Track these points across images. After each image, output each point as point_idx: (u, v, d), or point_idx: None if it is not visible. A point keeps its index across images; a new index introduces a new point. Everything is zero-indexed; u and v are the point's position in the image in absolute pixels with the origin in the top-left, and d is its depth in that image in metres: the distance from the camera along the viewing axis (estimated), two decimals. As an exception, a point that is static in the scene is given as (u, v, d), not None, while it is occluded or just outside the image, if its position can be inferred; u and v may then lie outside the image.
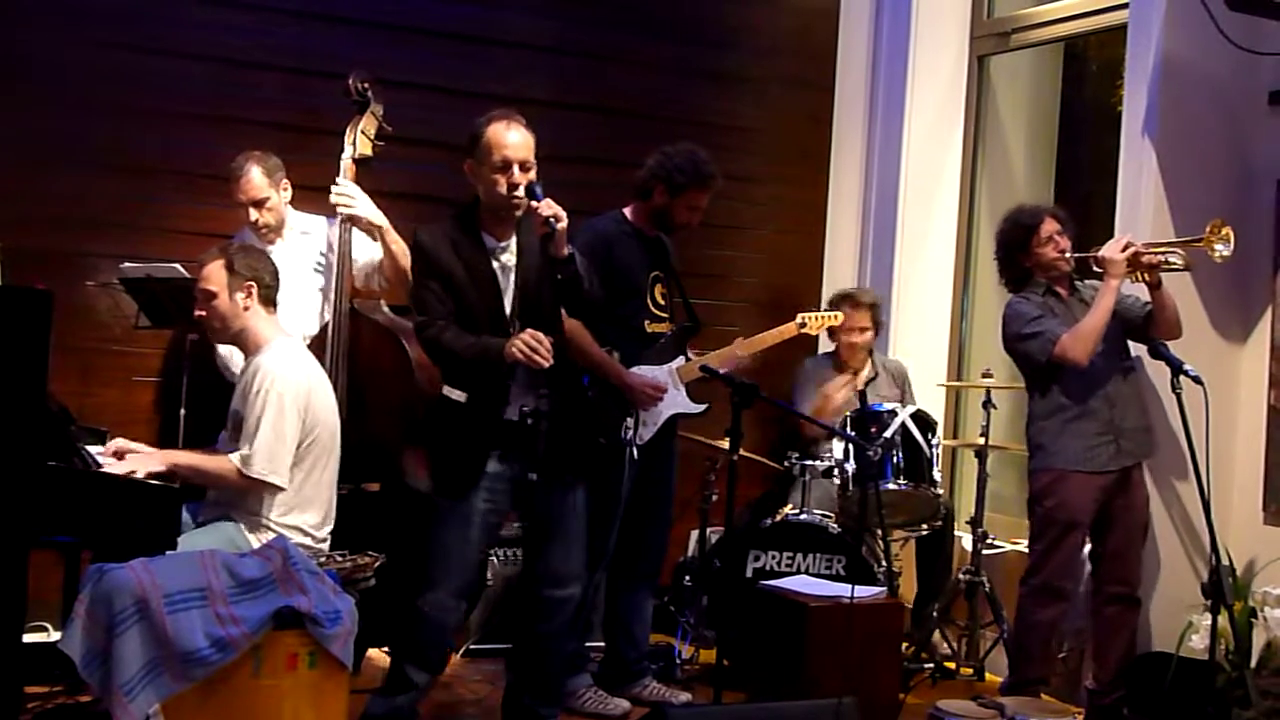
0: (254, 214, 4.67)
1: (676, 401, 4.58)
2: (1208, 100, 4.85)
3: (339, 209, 4.71)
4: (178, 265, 4.62)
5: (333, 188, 4.72)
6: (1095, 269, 4.57)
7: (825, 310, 5.28)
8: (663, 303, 4.63)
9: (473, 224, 3.86)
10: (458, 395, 3.86)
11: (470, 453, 3.84)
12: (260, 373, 3.93)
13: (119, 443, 3.98)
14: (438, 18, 5.53)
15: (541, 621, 3.96)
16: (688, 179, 4.50)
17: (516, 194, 3.76)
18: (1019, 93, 6.29)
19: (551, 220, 3.67)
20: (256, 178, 4.65)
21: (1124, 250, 4.46)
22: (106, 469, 3.75)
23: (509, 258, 3.87)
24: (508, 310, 3.83)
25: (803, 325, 4.99)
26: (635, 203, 4.61)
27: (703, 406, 4.64)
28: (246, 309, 3.99)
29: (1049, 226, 4.65)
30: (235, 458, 3.87)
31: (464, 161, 3.86)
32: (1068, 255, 4.64)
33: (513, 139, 3.76)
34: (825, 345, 5.76)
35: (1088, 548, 4.77)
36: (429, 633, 3.88)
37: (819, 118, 6.26)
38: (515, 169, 3.75)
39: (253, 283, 3.99)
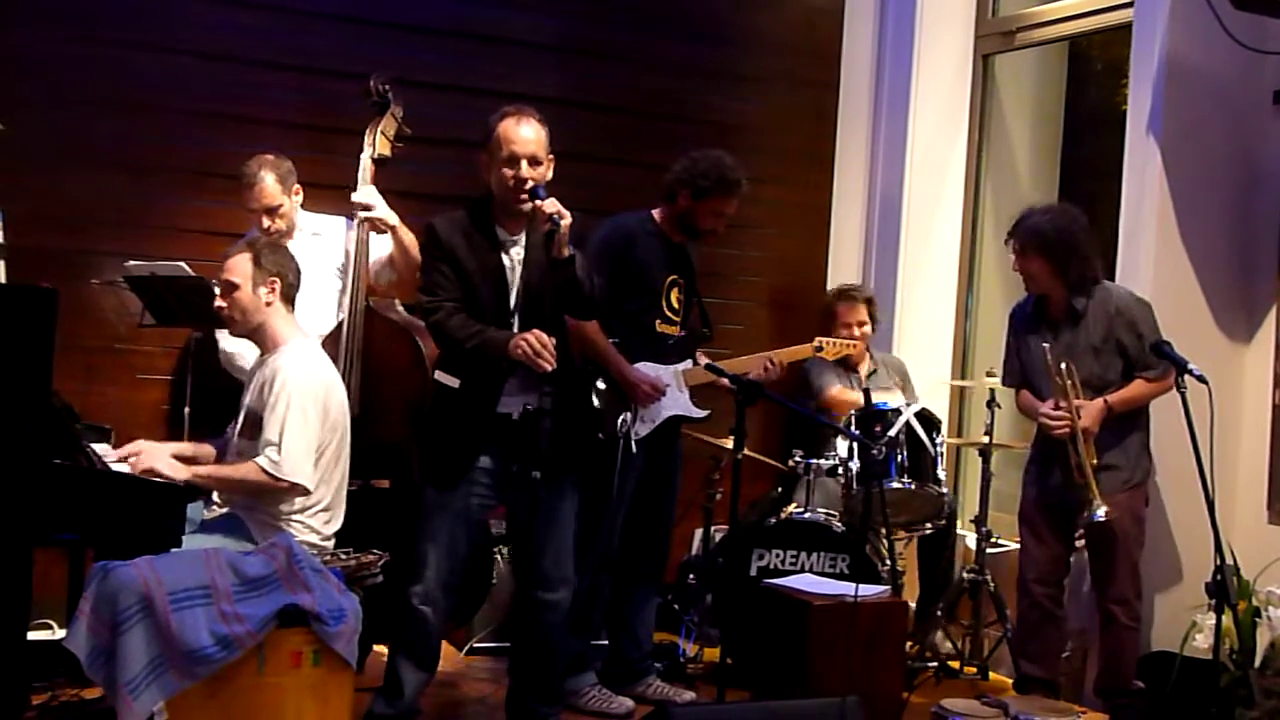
0: (266, 221, 4.65)
1: (679, 403, 4.57)
2: (1213, 100, 4.84)
3: (360, 218, 4.68)
4: (183, 264, 4.62)
5: (353, 196, 4.70)
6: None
7: (842, 338, 5.24)
8: (677, 307, 4.60)
9: (486, 216, 3.89)
10: (450, 381, 3.87)
11: (462, 445, 3.86)
12: (280, 375, 3.91)
13: (140, 444, 3.92)
14: (444, 17, 5.53)
15: (533, 623, 3.98)
16: (712, 184, 4.48)
17: (523, 189, 3.78)
18: (1023, 92, 6.29)
19: (555, 218, 3.68)
20: (270, 185, 4.63)
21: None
22: (119, 468, 3.72)
23: (518, 251, 3.89)
24: (512, 303, 3.85)
25: (819, 349, 4.92)
26: (663, 206, 4.60)
27: (704, 412, 4.62)
28: (268, 304, 3.99)
29: None
30: (263, 462, 3.84)
31: (479, 155, 3.89)
32: None
33: (522, 134, 3.80)
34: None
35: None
36: (414, 626, 3.90)
37: (824, 116, 6.25)
38: (523, 164, 3.79)
39: (276, 279, 3.99)
